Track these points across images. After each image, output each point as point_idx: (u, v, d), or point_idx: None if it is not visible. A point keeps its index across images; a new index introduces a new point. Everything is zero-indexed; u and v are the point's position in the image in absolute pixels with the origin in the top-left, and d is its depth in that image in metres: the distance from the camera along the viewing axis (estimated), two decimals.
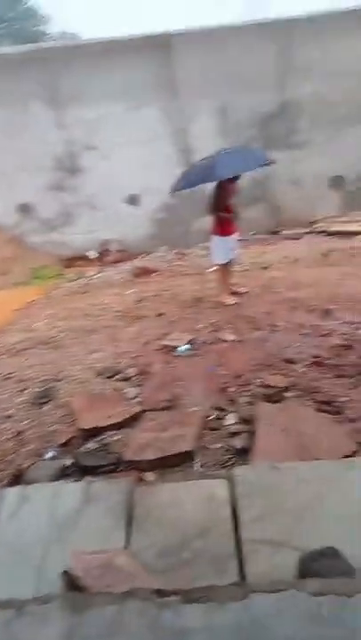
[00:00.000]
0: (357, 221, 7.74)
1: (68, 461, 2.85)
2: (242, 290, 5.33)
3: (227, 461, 2.63)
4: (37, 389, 3.78)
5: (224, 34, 7.26)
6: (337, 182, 7.97)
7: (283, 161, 7.67)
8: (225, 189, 4.75)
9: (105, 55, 7.36)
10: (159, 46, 7.32)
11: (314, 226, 7.82)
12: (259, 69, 7.33)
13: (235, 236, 5.03)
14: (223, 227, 4.95)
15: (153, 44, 7.31)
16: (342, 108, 7.51)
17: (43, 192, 8.06)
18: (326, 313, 4.54)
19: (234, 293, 5.31)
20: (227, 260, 5.10)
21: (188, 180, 4.74)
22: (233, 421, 3.01)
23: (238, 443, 2.70)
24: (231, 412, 3.13)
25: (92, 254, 8.15)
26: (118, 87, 7.46)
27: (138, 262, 7.60)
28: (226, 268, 5.18)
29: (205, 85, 7.38)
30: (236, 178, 4.72)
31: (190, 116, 7.61)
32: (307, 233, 7.78)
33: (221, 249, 5.06)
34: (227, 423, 3.01)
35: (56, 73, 7.45)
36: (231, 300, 5.14)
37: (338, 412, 2.97)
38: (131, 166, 7.91)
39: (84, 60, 7.39)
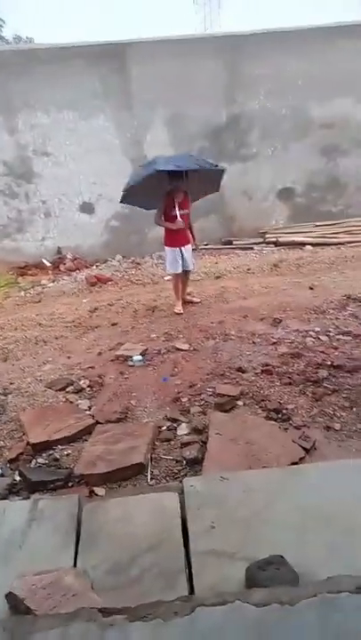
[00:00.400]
0: (305, 232, 8.06)
1: (17, 478, 2.76)
2: (195, 299, 5.40)
3: (178, 472, 2.64)
4: None
5: (176, 46, 7.39)
6: (286, 194, 8.26)
7: (234, 172, 7.89)
8: (170, 200, 4.82)
9: (59, 61, 7.28)
10: (113, 55, 7.33)
11: (264, 236, 8.06)
12: (209, 82, 7.51)
13: (187, 247, 5.06)
14: (170, 238, 5.01)
15: (107, 52, 7.31)
16: (288, 122, 7.83)
17: None
18: (276, 322, 4.68)
19: (188, 302, 5.37)
20: (176, 271, 5.16)
21: (133, 179, 4.81)
22: (185, 432, 3.04)
23: (190, 453, 2.72)
24: (184, 422, 3.15)
25: (46, 262, 7.97)
26: (71, 94, 7.39)
27: (92, 271, 7.52)
28: (177, 277, 5.24)
29: (158, 96, 7.47)
30: (179, 188, 4.75)
31: (143, 125, 7.66)
32: (257, 243, 8.00)
33: (169, 259, 5.15)
34: (179, 433, 3.03)
35: (7, 77, 7.29)
36: (179, 308, 5.20)
37: (286, 420, 3.07)
38: (85, 174, 7.84)
39: (37, 66, 7.28)
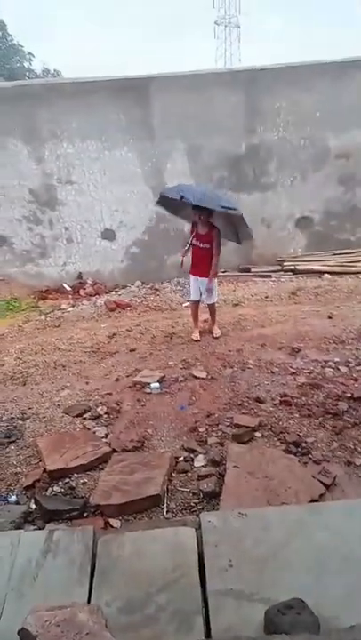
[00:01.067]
0: (323, 261, 8.04)
1: (33, 506, 2.76)
2: (215, 333, 5.32)
3: (195, 506, 2.61)
4: (3, 428, 3.67)
5: (197, 80, 7.63)
6: (304, 223, 8.31)
7: (252, 202, 7.99)
8: (193, 230, 4.87)
9: (84, 95, 7.59)
10: (136, 89, 7.62)
11: (283, 264, 8.07)
12: (228, 114, 7.70)
13: (203, 280, 5.01)
14: (192, 266, 5.06)
15: (130, 86, 7.60)
16: (306, 153, 7.95)
17: (18, 224, 8.07)
18: (294, 351, 4.64)
19: (207, 332, 5.36)
20: (192, 299, 5.21)
21: (169, 192, 4.82)
22: (202, 463, 3.01)
23: (207, 486, 2.69)
24: (201, 453, 3.12)
25: (67, 287, 8.12)
26: (96, 126, 7.67)
27: (111, 296, 7.63)
28: (195, 305, 5.27)
29: (178, 127, 7.69)
30: (202, 217, 4.72)
31: (164, 156, 7.86)
32: (275, 271, 8.01)
33: (190, 286, 5.24)
34: (196, 465, 3.00)
35: (36, 109, 7.62)
36: (196, 335, 5.23)
37: (305, 453, 3.01)
38: (107, 202, 8.04)
39: (64, 98, 7.60)
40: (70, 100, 7.62)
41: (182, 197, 4.41)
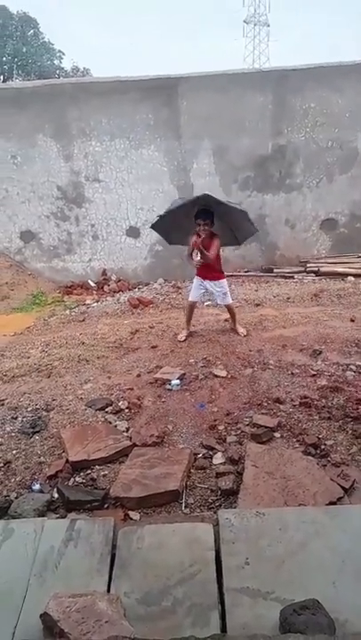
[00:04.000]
0: (347, 263, 7.95)
1: (55, 495, 2.84)
2: (240, 331, 5.33)
3: (213, 502, 2.64)
4: (28, 418, 3.78)
5: (225, 80, 7.64)
6: (329, 225, 8.22)
7: (277, 202, 7.96)
8: (194, 242, 4.78)
9: (113, 94, 7.69)
10: (164, 89, 7.67)
11: (306, 265, 8.01)
12: (255, 114, 7.69)
13: (213, 282, 5.06)
14: (198, 268, 5.06)
15: (159, 86, 7.67)
16: (333, 154, 7.86)
17: (46, 220, 8.25)
18: (315, 353, 4.62)
19: (232, 330, 5.37)
20: (192, 299, 5.26)
21: (169, 207, 4.91)
22: (221, 461, 3.03)
23: (225, 484, 2.71)
24: (219, 450, 3.15)
25: (92, 283, 8.25)
26: (124, 124, 7.78)
27: (135, 293, 7.71)
28: (191, 306, 5.31)
29: (205, 127, 7.72)
30: (205, 223, 4.68)
31: (190, 155, 7.91)
32: (298, 272, 7.95)
33: (192, 286, 5.28)
34: (215, 462, 3.03)
35: (66, 107, 7.76)
36: (182, 335, 5.25)
37: (324, 456, 3.00)
38: (132, 199, 8.14)
39: (93, 97, 7.72)
40: (100, 98, 7.73)
41: (183, 205, 4.44)
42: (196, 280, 5.19)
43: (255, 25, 45.60)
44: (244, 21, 45.82)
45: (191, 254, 4.87)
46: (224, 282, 5.17)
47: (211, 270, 5.03)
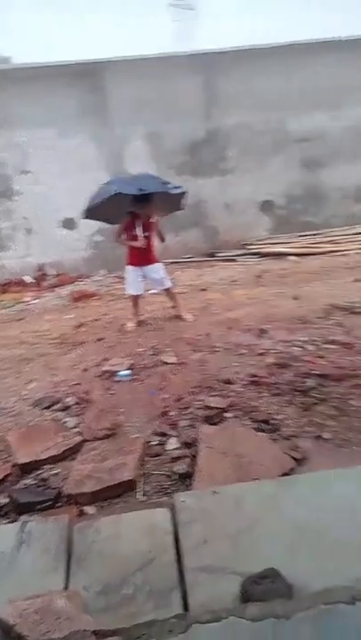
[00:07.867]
0: (286, 243, 8.19)
1: (4, 500, 2.70)
2: (186, 317, 5.31)
3: (169, 487, 2.62)
4: None
5: (153, 64, 7.53)
6: (267, 206, 8.41)
7: (214, 186, 8.01)
8: (133, 217, 4.78)
9: (36, 80, 7.35)
10: (90, 74, 7.44)
11: (247, 248, 8.16)
12: (187, 98, 7.67)
13: (152, 267, 4.99)
14: (132, 256, 4.99)
15: (83, 71, 7.42)
16: (266, 137, 8.02)
17: None
18: (262, 333, 4.71)
19: (176, 317, 5.34)
20: (136, 292, 5.16)
21: (94, 199, 4.74)
22: (175, 446, 3.02)
23: (180, 468, 2.70)
24: (173, 436, 3.13)
25: (29, 279, 7.93)
26: (50, 112, 7.46)
27: (76, 286, 7.50)
28: (136, 298, 5.23)
29: (137, 112, 7.60)
30: (143, 207, 4.64)
31: (123, 141, 7.76)
32: (241, 255, 8.09)
33: (130, 279, 5.14)
34: (168, 448, 3.00)
35: None
36: (131, 325, 5.21)
37: (275, 430, 3.07)
38: (65, 190, 7.86)
39: (15, 84, 7.33)
40: (22, 85, 7.38)
41: (118, 193, 4.28)
42: (133, 271, 5.04)
43: (180, 8, 45.23)
44: (169, 4, 45.32)
45: (127, 235, 4.77)
46: (160, 265, 5.11)
47: (147, 254, 4.94)
